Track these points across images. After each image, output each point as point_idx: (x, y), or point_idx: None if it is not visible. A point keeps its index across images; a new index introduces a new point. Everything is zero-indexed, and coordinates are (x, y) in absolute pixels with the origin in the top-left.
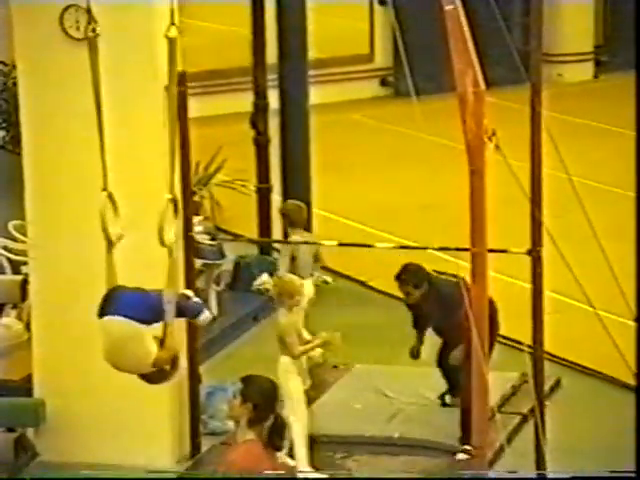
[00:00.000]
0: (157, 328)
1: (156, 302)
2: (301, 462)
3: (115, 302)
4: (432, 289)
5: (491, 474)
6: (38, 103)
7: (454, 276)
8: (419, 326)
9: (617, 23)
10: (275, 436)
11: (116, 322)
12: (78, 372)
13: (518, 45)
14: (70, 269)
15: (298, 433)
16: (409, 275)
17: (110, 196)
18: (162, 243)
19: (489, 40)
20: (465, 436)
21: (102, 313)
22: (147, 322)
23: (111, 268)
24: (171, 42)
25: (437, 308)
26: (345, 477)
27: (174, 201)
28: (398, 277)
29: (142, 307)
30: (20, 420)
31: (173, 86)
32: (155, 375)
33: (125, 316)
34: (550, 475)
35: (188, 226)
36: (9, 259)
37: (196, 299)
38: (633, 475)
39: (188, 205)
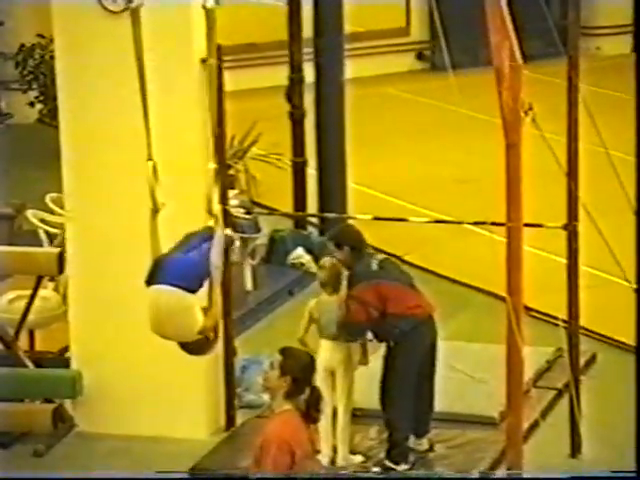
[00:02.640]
0: (202, 296)
1: (201, 267)
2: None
3: (163, 271)
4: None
5: (498, 474)
6: (75, 76)
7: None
8: None
9: None
10: (312, 409)
11: (165, 292)
12: (115, 344)
13: (556, 18)
14: (107, 242)
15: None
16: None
17: (154, 166)
18: (210, 212)
19: (526, 13)
20: None
21: (150, 282)
22: (194, 290)
23: (155, 236)
24: (209, 13)
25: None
26: (350, 477)
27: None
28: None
29: (189, 275)
30: (58, 392)
31: (212, 58)
32: (198, 345)
33: (173, 285)
34: (553, 475)
35: (224, 199)
36: (46, 232)
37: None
38: (633, 475)
39: (224, 179)
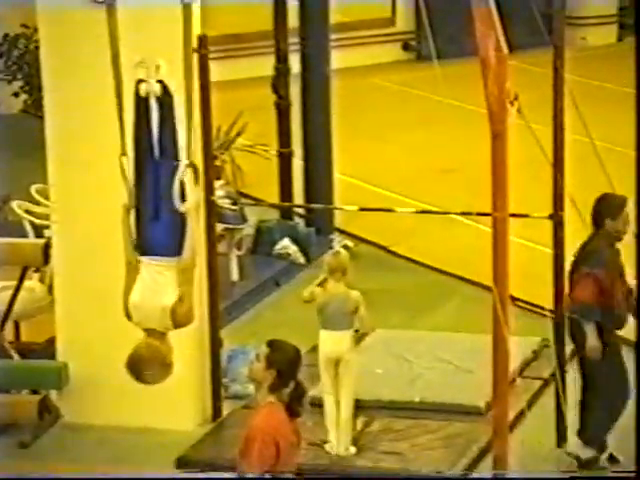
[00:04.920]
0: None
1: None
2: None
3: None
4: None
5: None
6: (60, 66)
7: None
8: None
9: None
10: (295, 402)
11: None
12: (101, 335)
13: (541, 8)
14: (92, 232)
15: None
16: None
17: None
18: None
19: (512, 3)
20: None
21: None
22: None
23: (127, 232)
24: (185, 9)
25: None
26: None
27: (193, 166)
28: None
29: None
30: (43, 383)
31: (190, 51)
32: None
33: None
34: (552, 475)
35: (209, 190)
36: (32, 223)
37: None
38: (633, 475)
39: (209, 170)
